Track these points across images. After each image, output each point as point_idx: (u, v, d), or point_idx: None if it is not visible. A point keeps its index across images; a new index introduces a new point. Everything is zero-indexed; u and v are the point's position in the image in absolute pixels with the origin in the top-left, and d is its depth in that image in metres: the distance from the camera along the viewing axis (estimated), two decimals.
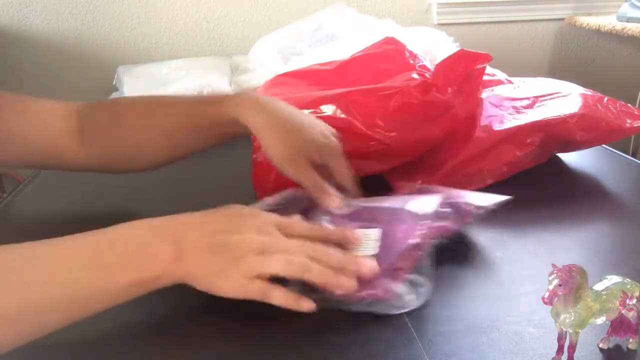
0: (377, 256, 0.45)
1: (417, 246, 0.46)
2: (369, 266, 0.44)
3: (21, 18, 1.50)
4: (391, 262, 0.44)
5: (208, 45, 1.63)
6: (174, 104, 0.64)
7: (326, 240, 0.47)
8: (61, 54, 1.55)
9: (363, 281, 0.43)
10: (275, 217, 0.47)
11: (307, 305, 0.43)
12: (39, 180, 0.83)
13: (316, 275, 0.43)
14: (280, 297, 0.43)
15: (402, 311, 0.43)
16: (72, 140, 0.62)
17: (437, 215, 0.49)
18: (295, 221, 0.48)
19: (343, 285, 0.43)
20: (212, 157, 0.78)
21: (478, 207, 0.53)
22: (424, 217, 0.49)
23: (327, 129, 0.61)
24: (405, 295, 0.42)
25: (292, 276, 0.43)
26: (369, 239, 0.48)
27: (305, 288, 0.43)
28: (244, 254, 0.43)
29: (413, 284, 0.44)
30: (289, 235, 0.46)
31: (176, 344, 0.43)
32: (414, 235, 0.46)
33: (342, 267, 0.44)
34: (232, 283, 0.43)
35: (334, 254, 0.45)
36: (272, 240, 0.45)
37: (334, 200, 0.54)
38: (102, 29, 1.55)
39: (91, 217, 0.69)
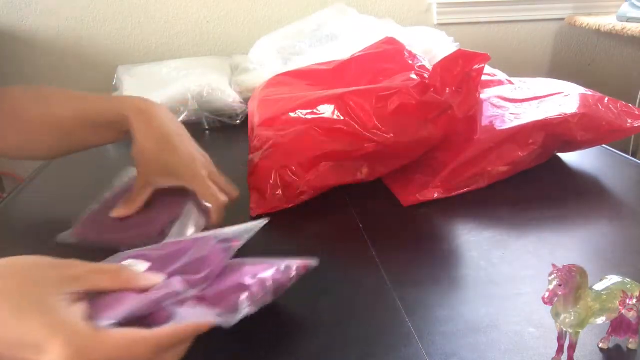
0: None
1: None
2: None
3: (21, 18, 1.50)
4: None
5: (208, 45, 1.62)
6: (69, 98, 0.65)
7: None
8: (61, 54, 1.55)
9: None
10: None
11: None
12: (39, 180, 0.83)
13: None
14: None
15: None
16: None
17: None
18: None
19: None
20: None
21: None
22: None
23: (205, 159, 0.61)
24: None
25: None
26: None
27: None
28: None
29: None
30: None
31: None
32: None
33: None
34: None
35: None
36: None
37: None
38: (102, 29, 1.55)
39: None
